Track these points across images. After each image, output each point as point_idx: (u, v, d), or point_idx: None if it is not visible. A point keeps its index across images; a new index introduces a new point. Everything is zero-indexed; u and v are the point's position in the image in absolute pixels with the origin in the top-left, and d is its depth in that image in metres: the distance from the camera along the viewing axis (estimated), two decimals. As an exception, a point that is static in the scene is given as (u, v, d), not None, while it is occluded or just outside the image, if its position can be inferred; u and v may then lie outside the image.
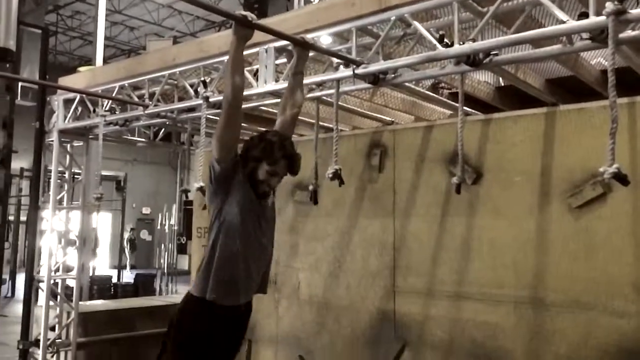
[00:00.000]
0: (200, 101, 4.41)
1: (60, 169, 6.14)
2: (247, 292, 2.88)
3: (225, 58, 4.27)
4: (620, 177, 2.46)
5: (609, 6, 2.55)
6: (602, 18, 2.60)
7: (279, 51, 3.99)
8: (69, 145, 6.29)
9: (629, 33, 2.74)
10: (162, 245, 14.48)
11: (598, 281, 3.66)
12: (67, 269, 6.30)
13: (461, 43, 3.11)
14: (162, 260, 14.14)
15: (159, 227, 15.70)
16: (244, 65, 2.81)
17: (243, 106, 4.72)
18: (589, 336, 3.68)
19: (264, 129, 3.07)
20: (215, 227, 2.77)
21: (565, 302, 3.78)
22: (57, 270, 6.10)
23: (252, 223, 2.79)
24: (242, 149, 2.85)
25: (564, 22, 2.75)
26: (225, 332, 2.88)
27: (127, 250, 19.67)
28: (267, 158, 2.75)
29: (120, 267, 14.88)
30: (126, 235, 19.76)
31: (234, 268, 2.76)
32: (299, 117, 4.97)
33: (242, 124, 5.64)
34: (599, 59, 4.06)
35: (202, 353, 2.80)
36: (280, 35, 3.26)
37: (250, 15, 2.66)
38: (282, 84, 3.96)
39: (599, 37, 2.69)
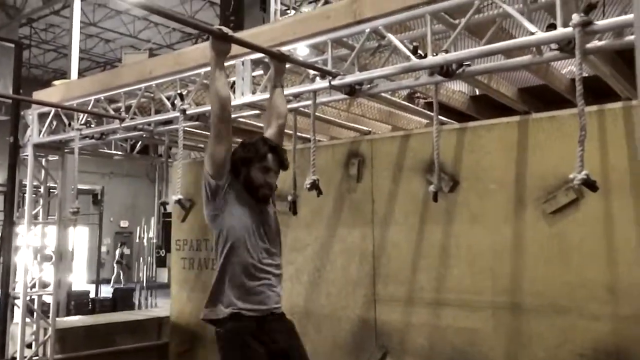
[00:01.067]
0: (177, 114, 4.41)
1: (35, 183, 6.07)
2: (266, 298, 2.81)
3: (202, 70, 4.30)
4: (589, 183, 2.52)
5: (575, 18, 2.63)
6: (569, 29, 2.68)
7: (256, 63, 4.02)
8: (44, 160, 6.22)
9: (595, 43, 2.83)
10: (141, 259, 14.32)
11: (573, 285, 3.73)
12: (44, 285, 6.20)
13: (434, 54, 3.17)
14: (141, 274, 13.98)
15: (137, 240, 15.54)
16: (227, 78, 2.82)
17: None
18: (566, 339, 3.74)
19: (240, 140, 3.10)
20: (221, 244, 2.75)
21: (542, 307, 3.84)
22: (33, 286, 6.01)
23: (257, 231, 2.78)
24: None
25: (533, 34, 2.82)
26: (261, 342, 2.74)
27: (116, 267, 19.44)
28: (255, 156, 2.77)
29: (98, 282, 14.64)
30: (117, 251, 19.62)
31: (248, 277, 2.74)
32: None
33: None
34: (570, 67, 4.16)
35: None
36: (256, 49, 3.29)
37: (226, 29, 2.68)
38: (259, 96, 3.99)
39: (566, 47, 2.77)
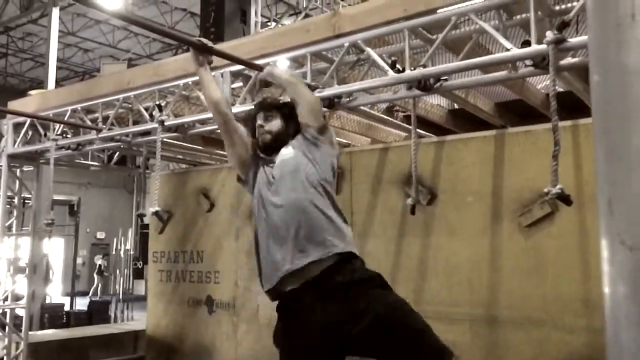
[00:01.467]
0: (155, 125, 4.38)
1: (9, 194, 5.96)
2: (273, 270, 2.43)
3: (181, 81, 4.29)
4: (564, 197, 2.56)
5: (549, 35, 2.69)
6: (543, 46, 2.74)
7: (235, 75, 4.02)
8: (18, 170, 6.12)
9: (569, 60, 2.89)
10: (118, 271, 14.11)
11: (548, 298, 3.77)
12: (17, 298, 6.07)
13: (412, 68, 3.21)
14: (117, 286, 13.77)
15: (114, 252, 15.33)
16: (214, 83, 2.81)
17: (201, 129, 4.74)
18: (542, 352, 3.77)
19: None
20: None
21: (518, 319, 3.87)
22: (5, 299, 5.88)
23: (263, 190, 2.58)
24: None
25: (508, 50, 2.88)
26: (297, 325, 2.46)
27: (96, 278, 19.21)
28: (250, 120, 2.79)
29: (73, 294, 14.39)
30: (99, 261, 19.37)
31: (259, 250, 2.56)
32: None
33: (201, 147, 5.63)
34: (545, 82, 4.24)
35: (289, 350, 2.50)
36: (236, 60, 3.29)
37: (206, 41, 2.69)
38: (239, 108, 3.98)
39: (540, 64, 2.82)
